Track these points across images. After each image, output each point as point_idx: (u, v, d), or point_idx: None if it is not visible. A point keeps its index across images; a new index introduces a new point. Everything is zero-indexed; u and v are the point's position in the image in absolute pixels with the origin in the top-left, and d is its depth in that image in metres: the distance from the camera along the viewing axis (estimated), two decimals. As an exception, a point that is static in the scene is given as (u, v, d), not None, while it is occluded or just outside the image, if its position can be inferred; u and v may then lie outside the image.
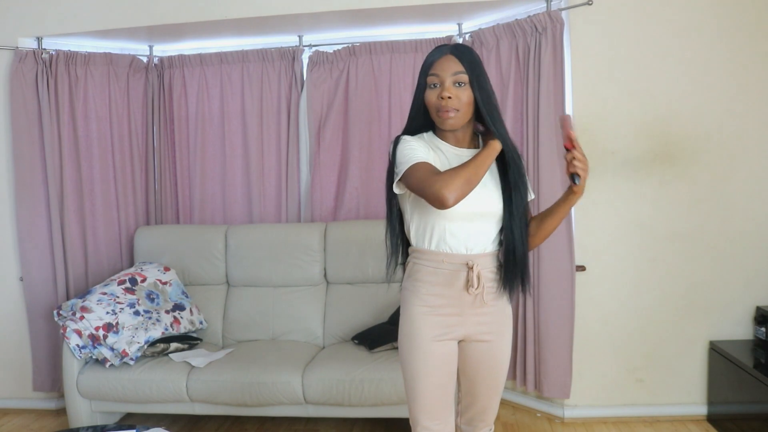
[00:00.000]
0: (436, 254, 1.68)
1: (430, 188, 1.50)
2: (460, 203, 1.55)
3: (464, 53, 1.63)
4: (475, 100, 1.62)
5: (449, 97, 1.60)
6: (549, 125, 2.88)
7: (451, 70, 1.61)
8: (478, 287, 1.67)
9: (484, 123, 1.66)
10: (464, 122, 1.65)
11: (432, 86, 1.63)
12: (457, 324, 1.70)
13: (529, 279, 1.76)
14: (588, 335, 3.00)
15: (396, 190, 1.64)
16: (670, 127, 2.88)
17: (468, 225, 1.66)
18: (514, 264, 1.69)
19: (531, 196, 1.77)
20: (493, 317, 1.73)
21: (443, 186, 1.48)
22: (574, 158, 1.57)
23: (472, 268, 1.65)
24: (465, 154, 1.68)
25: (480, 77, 1.62)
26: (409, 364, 1.70)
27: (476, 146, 1.72)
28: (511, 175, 1.67)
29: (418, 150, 1.61)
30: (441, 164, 1.65)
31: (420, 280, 1.70)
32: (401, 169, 1.59)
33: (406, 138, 1.66)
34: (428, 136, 1.73)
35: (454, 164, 1.63)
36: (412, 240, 1.73)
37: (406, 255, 1.78)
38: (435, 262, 1.68)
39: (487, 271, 1.70)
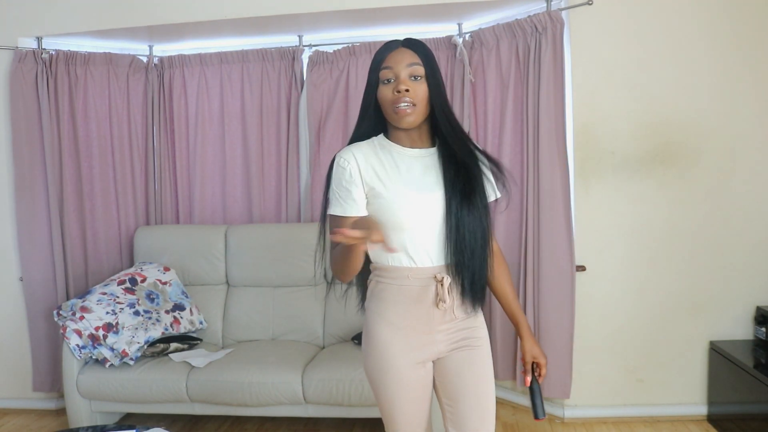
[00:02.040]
0: (400, 269, 1.53)
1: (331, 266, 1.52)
2: (413, 211, 1.48)
3: (418, 46, 1.52)
4: (430, 96, 1.50)
5: (406, 90, 1.46)
6: (549, 125, 2.88)
7: (405, 61, 1.49)
8: (448, 301, 1.53)
9: (435, 120, 1.52)
10: (422, 119, 1.51)
11: (386, 81, 1.50)
12: (428, 343, 1.56)
13: (481, 297, 1.58)
14: (588, 335, 3.00)
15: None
16: (670, 127, 2.88)
17: (429, 233, 1.51)
18: (461, 275, 1.52)
19: (493, 195, 1.63)
20: (465, 328, 1.59)
21: (334, 273, 1.50)
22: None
23: (441, 281, 1.52)
24: (420, 155, 1.55)
25: (435, 72, 1.51)
26: (383, 394, 1.58)
27: (433, 145, 1.57)
28: (458, 177, 1.51)
29: (340, 194, 1.51)
30: (387, 173, 1.51)
31: (385, 300, 1.56)
32: (328, 209, 1.55)
33: (339, 164, 1.52)
34: (378, 140, 1.58)
35: (403, 171, 1.51)
36: (372, 256, 1.58)
37: (367, 272, 1.63)
38: (400, 279, 1.53)
39: (453, 282, 1.55)
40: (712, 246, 2.90)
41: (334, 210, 1.53)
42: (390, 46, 1.53)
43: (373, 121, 1.57)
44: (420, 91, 1.48)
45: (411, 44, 1.52)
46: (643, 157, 2.91)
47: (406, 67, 1.49)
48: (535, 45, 2.89)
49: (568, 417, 3.04)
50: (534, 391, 1.65)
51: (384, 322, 1.56)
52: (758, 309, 2.87)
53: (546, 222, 2.90)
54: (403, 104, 1.47)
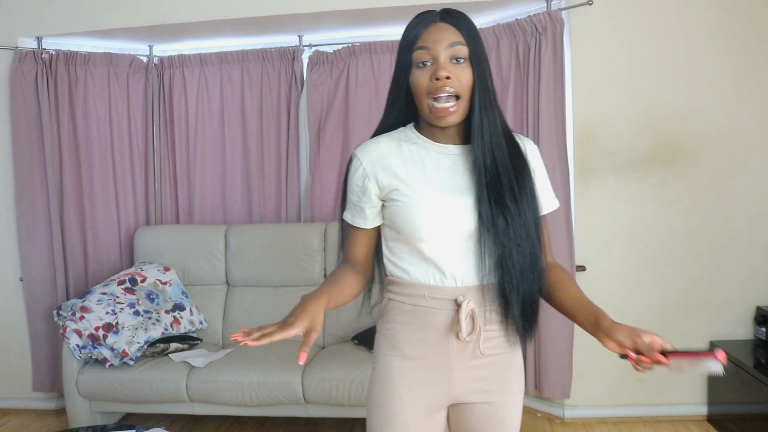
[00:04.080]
0: (416, 286, 1.27)
1: None
2: (434, 218, 1.24)
3: (460, 19, 1.23)
4: (474, 83, 1.22)
5: (447, 77, 1.19)
6: (549, 125, 2.88)
7: (445, 41, 1.20)
8: (472, 332, 1.25)
9: (477, 112, 1.24)
10: (465, 116, 1.24)
11: (420, 65, 1.22)
12: (444, 381, 1.28)
13: (535, 324, 1.31)
14: (588, 335, 2.98)
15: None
16: (670, 127, 2.88)
17: (457, 246, 1.25)
18: (510, 302, 1.25)
19: (550, 206, 1.38)
20: (494, 370, 1.30)
21: None
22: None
23: (461, 305, 1.24)
24: (454, 152, 1.29)
25: (479, 51, 1.23)
26: None
27: (470, 140, 1.27)
28: (498, 182, 1.24)
29: (351, 198, 1.33)
30: (409, 172, 1.27)
31: (395, 321, 1.31)
32: (342, 211, 1.36)
33: (353, 162, 1.32)
34: (406, 131, 1.32)
35: (429, 170, 1.27)
36: (387, 267, 1.33)
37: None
38: (414, 298, 1.28)
39: (485, 309, 1.27)
40: (712, 246, 2.90)
41: (345, 214, 1.35)
42: (425, 20, 1.23)
43: (404, 111, 1.31)
44: (464, 77, 1.21)
45: (451, 17, 1.23)
46: (643, 157, 2.91)
47: (446, 48, 1.20)
48: (535, 45, 2.89)
49: (568, 417, 3.04)
50: (682, 352, 1.19)
51: (392, 350, 1.31)
52: (758, 309, 2.87)
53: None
54: (443, 100, 1.20)
